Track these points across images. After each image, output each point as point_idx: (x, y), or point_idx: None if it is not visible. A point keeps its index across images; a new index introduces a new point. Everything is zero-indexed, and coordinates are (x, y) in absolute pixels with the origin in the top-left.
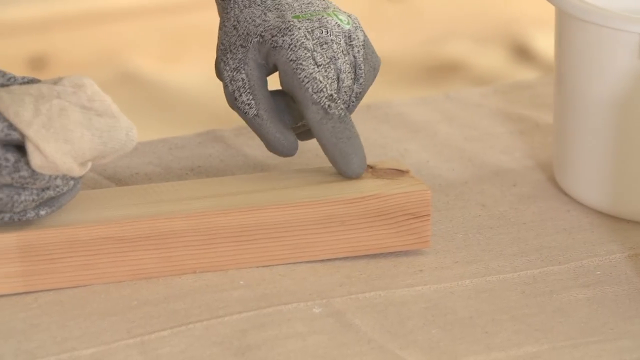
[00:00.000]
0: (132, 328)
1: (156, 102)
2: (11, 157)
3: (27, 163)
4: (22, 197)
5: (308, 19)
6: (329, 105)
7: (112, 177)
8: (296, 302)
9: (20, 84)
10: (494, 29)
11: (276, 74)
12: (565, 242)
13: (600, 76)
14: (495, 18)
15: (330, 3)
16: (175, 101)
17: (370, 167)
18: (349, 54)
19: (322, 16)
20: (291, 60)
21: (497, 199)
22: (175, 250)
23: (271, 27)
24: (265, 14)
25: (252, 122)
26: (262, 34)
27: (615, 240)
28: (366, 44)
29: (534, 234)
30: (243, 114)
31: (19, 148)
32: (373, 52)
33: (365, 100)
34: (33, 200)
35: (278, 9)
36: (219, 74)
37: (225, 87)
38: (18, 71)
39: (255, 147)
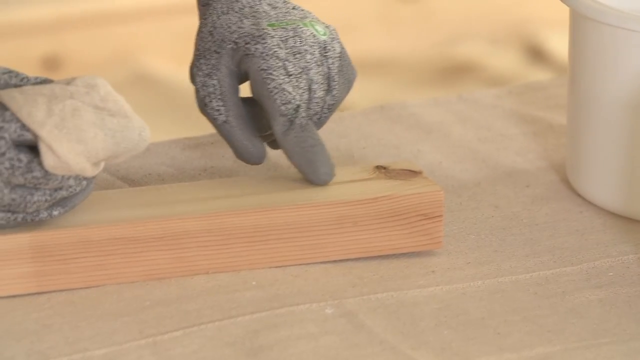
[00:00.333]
0: (145, 328)
1: (169, 103)
2: (24, 157)
3: (40, 163)
4: (35, 198)
5: (283, 28)
6: (294, 116)
7: (125, 177)
8: (308, 303)
9: (33, 84)
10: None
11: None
12: (578, 243)
13: (614, 77)
14: (509, 19)
15: (309, 13)
16: (188, 101)
17: (384, 167)
18: (323, 64)
19: (298, 25)
20: (262, 69)
21: (510, 200)
22: (188, 251)
23: (245, 34)
24: (241, 20)
25: (221, 129)
26: (236, 40)
27: (628, 242)
28: (342, 56)
29: (547, 235)
30: (212, 120)
31: (32, 148)
32: (349, 64)
33: (378, 101)
34: (46, 200)
35: (255, 16)
36: (192, 78)
37: (197, 92)
38: (32, 72)
39: (267, 148)
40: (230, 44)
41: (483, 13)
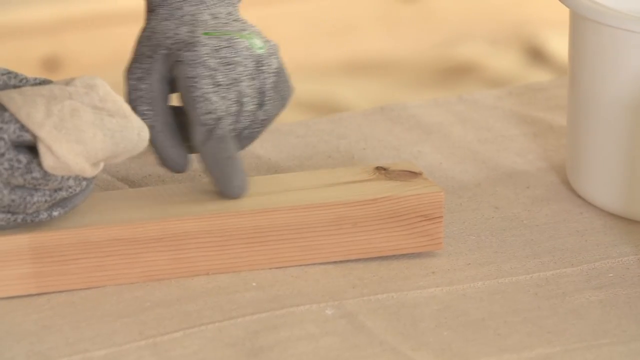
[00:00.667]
0: (145, 329)
1: None
2: (23, 158)
3: (40, 164)
4: (35, 199)
5: (217, 37)
6: (214, 127)
7: (125, 178)
8: (308, 304)
9: (32, 85)
10: (507, 30)
11: None
12: (578, 244)
13: (614, 78)
14: (509, 20)
15: (251, 27)
16: None
17: (384, 168)
18: (256, 78)
19: (233, 37)
20: (189, 77)
21: (510, 201)
22: (188, 252)
23: (179, 40)
24: (178, 27)
25: None
26: (170, 46)
27: (628, 243)
28: (279, 73)
29: (547, 236)
30: None
31: (31, 149)
32: (286, 81)
33: (378, 102)
34: (46, 201)
35: (193, 24)
36: (124, 82)
37: (127, 95)
38: (32, 72)
39: (268, 149)
40: (164, 50)
41: (483, 14)
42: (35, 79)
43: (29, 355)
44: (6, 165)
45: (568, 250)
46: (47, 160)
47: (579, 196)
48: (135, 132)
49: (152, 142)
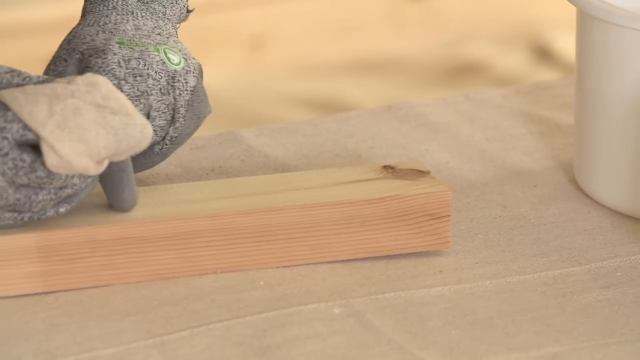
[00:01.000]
0: (152, 328)
1: None
2: (27, 157)
3: (44, 163)
4: (40, 197)
5: (130, 48)
6: None
7: None
8: (316, 303)
9: (35, 83)
10: (515, 29)
11: None
12: (586, 243)
13: (622, 77)
14: (516, 19)
15: (171, 42)
16: None
17: (391, 167)
18: (168, 94)
19: (147, 49)
20: None
21: (517, 200)
22: (196, 251)
23: (93, 47)
24: (97, 34)
25: None
26: (84, 52)
27: (636, 242)
28: (196, 92)
29: (555, 235)
30: None
31: (35, 148)
32: (203, 101)
33: (385, 101)
34: (51, 199)
35: (112, 32)
36: None
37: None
38: (35, 71)
39: (276, 148)
40: (78, 54)
41: (490, 13)
42: (39, 77)
43: (37, 354)
44: (10, 164)
45: (576, 249)
46: (50, 160)
47: (587, 195)
48: (138, 129)
49: None
